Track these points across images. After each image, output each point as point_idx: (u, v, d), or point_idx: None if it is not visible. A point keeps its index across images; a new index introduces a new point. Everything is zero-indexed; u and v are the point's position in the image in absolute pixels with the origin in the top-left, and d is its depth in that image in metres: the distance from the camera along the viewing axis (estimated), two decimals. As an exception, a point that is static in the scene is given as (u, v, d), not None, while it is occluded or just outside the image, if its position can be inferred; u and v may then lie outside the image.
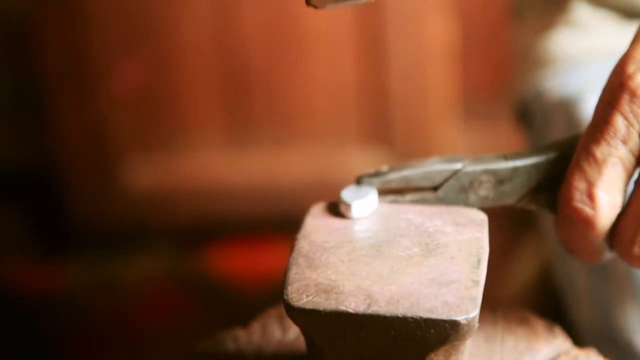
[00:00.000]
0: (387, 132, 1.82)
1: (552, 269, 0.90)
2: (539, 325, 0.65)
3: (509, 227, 1.72)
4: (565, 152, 0.61)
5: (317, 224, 0.59)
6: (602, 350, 0.77)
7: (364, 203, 0.59)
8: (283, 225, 1.85)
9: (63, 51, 1.82)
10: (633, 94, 0.57)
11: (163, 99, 1.87)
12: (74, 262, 1.90)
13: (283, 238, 1.87)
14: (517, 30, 0.97)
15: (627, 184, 0.60)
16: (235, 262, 1.89)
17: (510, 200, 0.62)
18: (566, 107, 0.84)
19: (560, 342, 0.63)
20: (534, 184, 0.62)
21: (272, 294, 1.79)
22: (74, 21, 1.80)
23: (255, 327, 0.66)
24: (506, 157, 0.61)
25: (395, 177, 0.61)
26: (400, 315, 0.53)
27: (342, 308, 0.53)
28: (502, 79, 1.86)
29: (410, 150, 1.78)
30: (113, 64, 1.84)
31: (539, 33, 0.91)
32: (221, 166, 1.90)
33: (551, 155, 0.61)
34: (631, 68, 0.57)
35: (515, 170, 0.61)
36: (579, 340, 0.83)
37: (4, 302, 1.84)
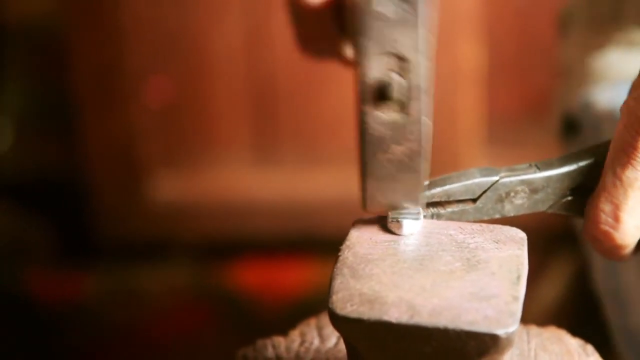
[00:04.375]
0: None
1: (592, 278, 0.91)
2: (572, 343, 0.66)
3: (541, 246, 1.74)
4: (595, 159, 0.63)
5: (361, 236, 0.61)
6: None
7: (414, 221, 0.61)
8: (305, 244, 1.87)
9: (94, 65, 1.84)
10: None
11: (191, 115, 1.90)
12: (97, 273, 1.92)
13: (305, 256, 1.89)
14: (565, 45, 1.00)
15: None
16: (256, 279, 1.90)
17: (542, 207, 0.64)
18: (616, 117, 0.86)
19: (592, 361, 0.65)
20: (565, 192, 0.64)
21: (292, 310, 1.81)
22: (106, 35, 1.82)
23: (295, 335, 0.68)
24: (538, 167, 0.64)
25: (437, 192, 0.63)
26: (441, 327, 0.54)
27: (386, 318, 0.55)
28: (528, 105, 1.88)
29: (434, 173, 1.80)
30: (143, 79, 1.86)
31: (589, 49, 0.94)
32: (246, 183, 1.92)
33: (582, 163, 0.64)
34: None
35: (548, 179, 0.64)
36: (624, 352, 0.84)
37: (27, 310, 1.86)
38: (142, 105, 1.87)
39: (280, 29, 1.82)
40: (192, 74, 1.86)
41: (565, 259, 1.65)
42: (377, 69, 0.58)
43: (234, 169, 1.91)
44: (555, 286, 1.60)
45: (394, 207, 0.61)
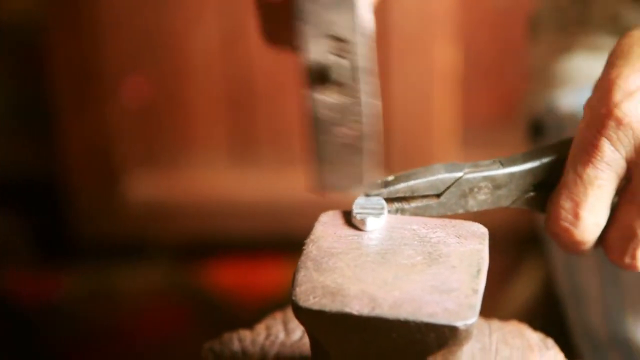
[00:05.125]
0: (388, 157, 1.85)
1: (555, 278, 0.93)
2: (533, 337, 0.67)
3: (512, 249, 1.75)
4: (558, 156, 0.65)
5: (325, 230, 0.62)
6: (611, 354, 0.80)
7: (377, 219, 0.62)
8: (281, 243, 1.88)
9: (72, 65, 1.85)
10: (619, 122, 0.61)
11: (168, 115, 1.90)
12: (74, 273, 1.93)
13: (280, 256, 1.90)
14: (533, 49, 1.01)
15: (611, 202, 0.63)
16: (233, 278, 1.91)
17: (505, 203, 0.66)
18: (579, 120, 0.87)
19: (552, 355, 0.66)
20: (528, 188, 0.65)
21: (268, 309, 1.81)
22: (84, 35, 1.83)
23: (260, 329, 0.69)
24: (502, 163, 0.65)
25: (402, 187, 0.64)
26: (402, 319, 0.55)
27: (347, 310, 0.56)
28: (503, 107, 1.89)
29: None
30: (121, 79, 1.87)
31: (556, 53, 0.95)
32: (222, 183, 1.92)
33: (545, 160, 0.65)
34: (617, 96, 0.61)
35: (511, 175, 0.65)
36: (581, 346, 0.85)
37: (5, 310, 1.86)
38: (120, 106, 1.88)
39: (257, 30, 1.83)
40: (170, 75, 1.87)
41: (538, 260, 1.67)
42: (317, 52, 0.59)
43: (211, 169, 1.92)
44: (528, 286, 1.61)
45: (343, 189, 0.61)
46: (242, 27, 1.83)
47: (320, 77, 0.59)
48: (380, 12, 1.81)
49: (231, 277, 1.91)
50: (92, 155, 1.91)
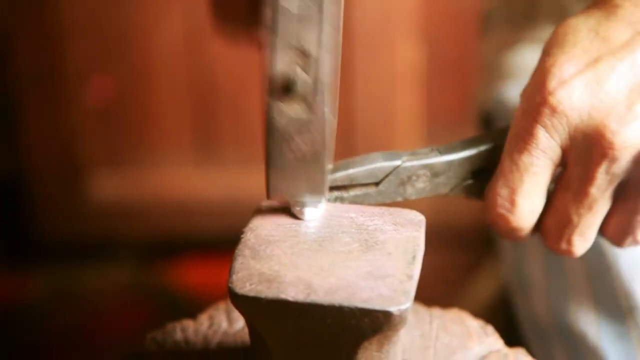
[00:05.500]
0: (351, 155, 1.85)
1: (504, 268, 0.94)
2: (473, 324, 0.68)
3: (476, 244, 1.77)
4: (495, 144, 0.66)
5: (264, 219, 0.63)
6: (555, 343, 0.81)
7: (315, 209, 0.63)
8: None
9: (35, 63, 1.84)
10: (554, 110, 0.62)
11: (133, 115, 1.90)
12: (39, 273, 1.92)
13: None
14: (484, 43, 1.03)
15: (546, 189, 0.64)
16: (197, 277, 1.91)
17: (444, 190, 0.67)
18: None
19: (492, 341, 0.67)
20: (465, 175, 0.66)
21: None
22: (47, 35, 1.83)
23: (203, 319, 0.69)
24: (440, 151, 0.66)
25: (340, 176, 0.64)
26: (336, 305, 0.56)
27: (283, 296, 0.56)
28: (467, 105, 1.90)
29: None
30: (85, 78, 1.87)
31: (505, 47, 0.96)
32: (187, 182, 1.93)
33: (482, 147, 0.66)
34: (552, 84, 0.62)
35: (449, 163, 0.66)
36: (528, 335, 0.87)
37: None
38: (84, 106, 1.88)
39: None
40: (134, 74, 1.87)
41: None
42: (283, 63, 0.59)
43: (176, 169, 1.92)
44: (492, 281, 1.62)
45: (293, 197, 0.62)
46: (206, 27, 1.83)
47: (282, 88, 0.60)
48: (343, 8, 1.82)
49: (197, 276, 1.91)
50: (57, 156, 1.90)
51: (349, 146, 1.86)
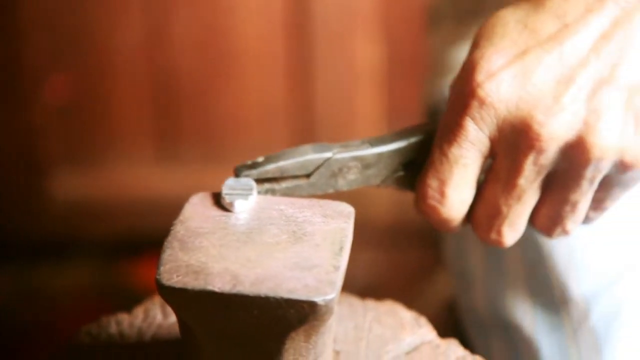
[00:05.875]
0: (312, 151, 1.86)
1: (447, 262, 0.95)
2: (406, 316, 0.69)
3: (431, 248, 1.77)
4: (426, 136, 0.66)
5: (195, 211, 0.63)
6: (493, 334, 0.82)
7: (245, 201, 0.63)
8: (209, 241, 1.88)
9: (-6, 62, 1.84)
10: (482, 102, 0.62)
11: (93, 113, 1.90)
12: (-1, 272, 1.92)
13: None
14: (432, 38, 1.03)
15: (476, 181, 0.65)
16: (160, 275, 1.90)
17: (375, 182, 0.67)
18: None
19: (424, 332, 0.67)
20: (396, 167, 0.67)
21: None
22: (5, 32, 1.82)
23: (138, 312, 0.69)
24: (371, 143, 0.66)
25: (271, 168, 0.65)
26: (262, 295, 0.56)
27: (209, 287, 0.57)
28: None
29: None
30: (44, 76, 1.86)
31: (452, 42, 0.97)
32: (149, 180, 1.92)
33: (413, 139, 0.66)
34: (480, 76, 0.62)
35: (380, 155, 0.66)
36: (468, 329, 0.87)
37: None
38: (43, 104, 1.87)
39: (182, 27, 1.84)
40: (94, 72, 1.87)
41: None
42: None
43: (137, 167, 1.92)
44: (444, 284, 1.63)
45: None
46: (167, 24, 1.83)
47: None
48: (303, 8, 1.82)
49: (158, 274, 1.91)
50: (16, 153, 1.90)
51: (311, 141, 1.86)
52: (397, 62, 1.88)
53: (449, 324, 1.07)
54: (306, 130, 1.87)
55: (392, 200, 1.87)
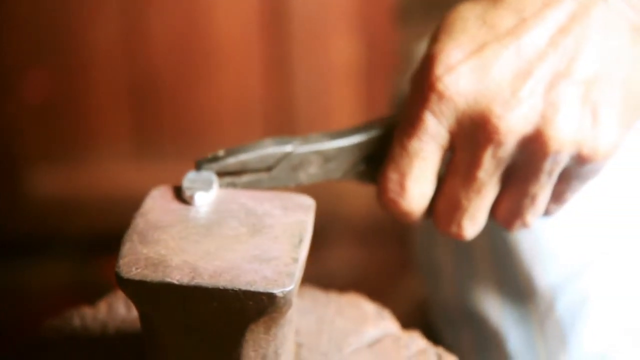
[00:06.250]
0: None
1: (417, 257, 0.95)
2: (369, 308, 0.69)
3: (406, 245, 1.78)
4: (386, 130, 0.67)
5: (155, 204, 0.63)
6: (461, 327, 0.83)
7: (206, 194, 0.63)
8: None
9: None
10: (441, 95, 0.63)
11: (71, 108, 1.89)
12: (-24, 269, 1.91)
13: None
14: (401, 33, 1.03)
15: (437, 174, 0.65)
16: (138, 272, 1.90)
17: (336, 175, 0.67)
18: None
19: (387, 325, 0.68)
20: (357, 160, 0.67)
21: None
22: (-17, 29, 1.82)
23: (102, 306, 0.70)
24: (332, 137, 0.67)
25: (232, 161, 0.65)
26: (221, 287, 0.57)
27: (168, 280, 0.57)
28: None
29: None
30: (21, 73, 1.86)
31: (420, 38, 0.97)
32: (127, 177, 1.92)
33: (373, 133, 0.67)
34: (439, 70, 0.63)
35: (340, 149, 0.67)
36: (438, 322, 0.88)
37: None
38: (20, 100, 1.87)
39: (159, 24, 1.84)
40: (71, 68, 1.86)
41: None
42: None
43: (115, 163, 1.92)
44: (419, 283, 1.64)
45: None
46: (144, 21, 1.83)
47: None
48: (279, 4, 1.82)
49: (137, 271, 1.91)
50: (-6, 150, 1.90)
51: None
52: (373, 59, 1.88)
53: (420, 317, 1.08)
54: (284, 126, 1.88)
55: (369, 197, 1.87)
